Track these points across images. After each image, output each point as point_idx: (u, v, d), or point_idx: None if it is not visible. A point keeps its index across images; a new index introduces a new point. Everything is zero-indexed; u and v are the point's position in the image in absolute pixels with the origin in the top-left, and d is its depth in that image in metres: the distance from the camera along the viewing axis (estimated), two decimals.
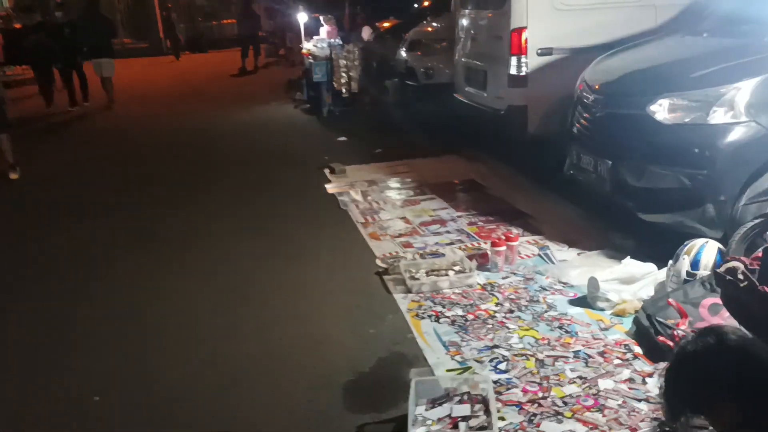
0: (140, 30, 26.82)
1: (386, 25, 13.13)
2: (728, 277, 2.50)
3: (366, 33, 10.69)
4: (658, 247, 3.96)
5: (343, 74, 9.92)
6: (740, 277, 2.55)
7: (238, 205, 5.98)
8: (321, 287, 4.14)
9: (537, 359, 3.13)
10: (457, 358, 3.20)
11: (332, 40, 10.15)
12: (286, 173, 6.96)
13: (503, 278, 4.03)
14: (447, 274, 4.00)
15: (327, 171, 6.75)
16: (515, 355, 3.18)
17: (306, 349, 3.43)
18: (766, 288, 2.48)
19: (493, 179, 6.09)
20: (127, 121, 10.85)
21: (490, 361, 3.14)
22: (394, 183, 6.21)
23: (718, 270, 2.61)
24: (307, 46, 10.65)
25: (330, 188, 6.19)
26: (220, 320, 3.82)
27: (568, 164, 4.81)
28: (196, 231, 5.36)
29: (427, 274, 4.04)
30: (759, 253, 2.85)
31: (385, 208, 5.50)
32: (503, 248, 4.11)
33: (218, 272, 4.51)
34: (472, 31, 6.82)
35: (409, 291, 3.90)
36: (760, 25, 4.28)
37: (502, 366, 3.10)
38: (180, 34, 22.36)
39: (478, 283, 3.96)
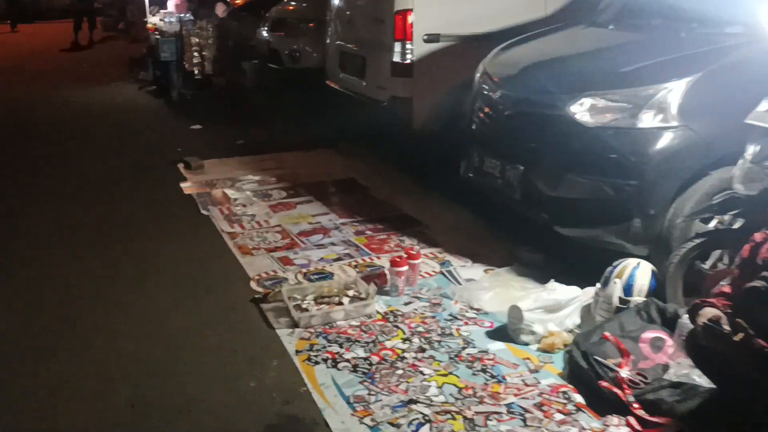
0: None
1: (240, 0, 12.12)
2: (721, 330, 2.03)
3: (220, 9, 9.64)
4: (573, 263, 3.55)
5: (195, 53, 8.89)
6: (727, 328, 2.09)
7: (69, 211, 4.88)
8: (181, 323, 3.27)
9: (465, 417, 2.54)
10: (368, 420, 2.53)
11: (182, 15, 9.05)
12: (132, 169, 5.91)
13: (405, 304, 3.41)
14: (341, 302, 3.31)
15: (181, 166, 5.80)
16: (438, 412, 2.56)
17: (166, 417, 2.60)
18: (761, 341, 2.03)
19: (376, 179, 5.45)
20: None
21: (409, 424, 2.50)
22: (262, 181, 5.40)
23: (706, 321, 2.12)
24: (153, 20, 9.46)
25: (186, 187, 5.27)
26: (42, 374, 2.88)
27: (467, 166, 4.27)
28: (9, 248, 4.26)
29: (316, 301, 3.34)
30: (723, 287, 2.42)
31: (256, 212, 4.70)
32: (405, 268, 3.48)
33: (39, 303, 3.49)
34: (348, 12, 6.13)
35: (296, 325, 3.17)
36: (669, 20, 3.97)
37: (425, 430, 2.48)
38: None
39: (378, 312, 3.31)
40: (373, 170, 5.68)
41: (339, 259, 3.94)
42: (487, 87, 4.13)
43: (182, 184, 5.34)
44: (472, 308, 3.35)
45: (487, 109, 4.06)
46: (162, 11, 9.47)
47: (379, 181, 5.38)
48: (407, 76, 5.30)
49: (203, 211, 4.73)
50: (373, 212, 4.70)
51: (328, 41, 6.63)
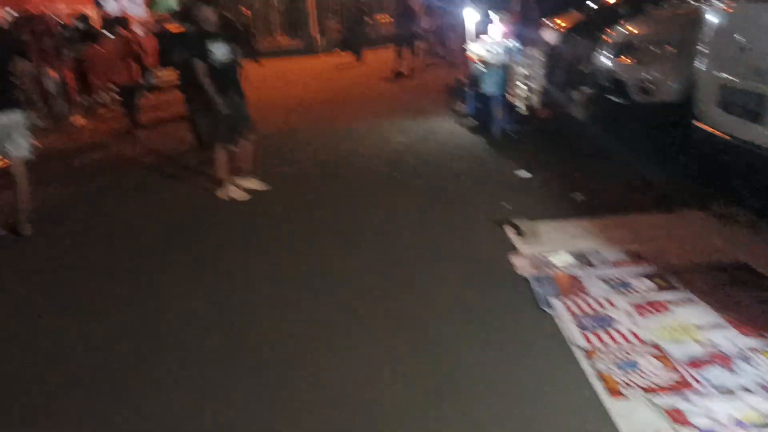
0: (295, 28, 26.45)
1: (563, 23, 10.91)
2: None
3: (550, 33, 8.62)
4: None
5: (522, 85, 7.95)
6: None
7: (370, 291, 4.15)
8: None
9: None
10: None
11: (508, 43, 8.18)
12: (446, 228, 5.10)
13: None
14: None
15: (509, 230, 4.83)
16: None
17: None
18: None
19: None
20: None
21: None
22: (617, 262, 4.15)
23: None
24: (475, 48, 8.74)
25: (519, 264, 4.25)
26: None
27: None
28: (284, 336, 3.64)
29: None
30: None
31: (616, 316, 3.48)
32: None
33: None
34: (739, 33, 4.58)
35: None
36: None
37: None
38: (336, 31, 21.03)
39: None
40: None
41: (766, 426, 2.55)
42: None
43: (512, 258, 4.34)
44: None
45: None
46: (485, 37, 8.73)
47: None
48: None
49: (543, 306, 3.65)
50: None
51: (701, 70, 5.13)
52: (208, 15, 6.26)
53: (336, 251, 4.87)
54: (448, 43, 16.17)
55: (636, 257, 4.18)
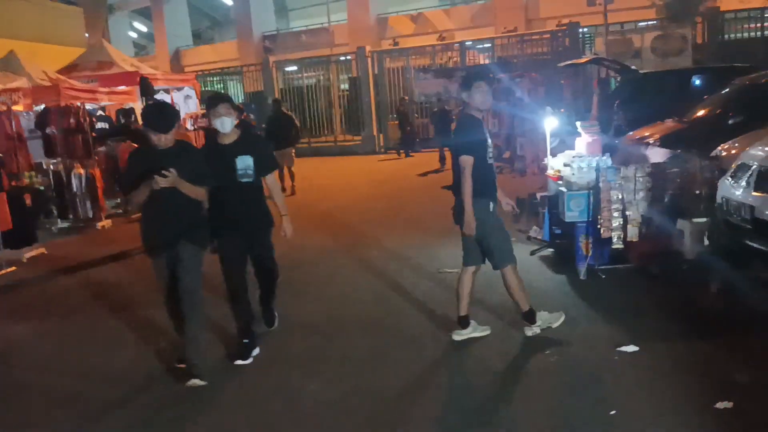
0: (356, 127, 25.51)
1: (654, 134, 9.20)
2: None
3: (651, 150, 6.98)
4: None
5: (616, 213, 6.24)
6: None
7: None
8: None
9: None
10: None
11: (598, 158, 6.53)
12: None
13: None
14: None
15: None
16: None
17: None
18: None
19: None
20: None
21: None
22: None
23: None
24: (555, 164, 7.14)
25: None
26: None
27: None
28: None
29: None
30: None
31: None
32: None
33: None
34: None
35: None
36: None
37: None
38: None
39: None
40: None
41: None
42: None
43: None
44: None
45: None
46: (568, 152, 7.13)
47: None
48: None
49: None
50: None
51: None
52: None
53: None
54: (517, 149, 14.57)
55: None
